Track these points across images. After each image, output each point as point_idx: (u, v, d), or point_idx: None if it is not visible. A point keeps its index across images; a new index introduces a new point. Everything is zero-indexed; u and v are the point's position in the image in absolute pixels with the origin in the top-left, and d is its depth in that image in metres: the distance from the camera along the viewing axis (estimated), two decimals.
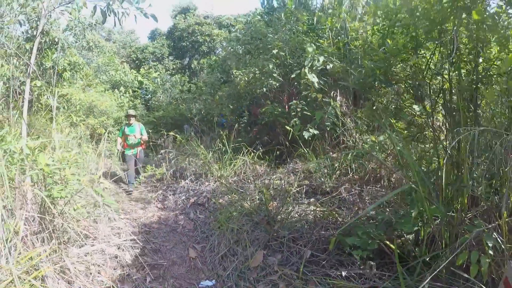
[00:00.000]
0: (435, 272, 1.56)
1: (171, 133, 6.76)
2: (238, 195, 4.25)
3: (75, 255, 1.97)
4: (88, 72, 9.91)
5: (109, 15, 3.05)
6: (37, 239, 1.76)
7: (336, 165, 3.94)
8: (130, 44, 21.36)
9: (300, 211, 3.53)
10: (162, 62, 19.39)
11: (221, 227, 3.40)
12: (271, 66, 4.77)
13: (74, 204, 2.15)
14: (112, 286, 2.03)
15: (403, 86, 2.70)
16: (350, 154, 3.41)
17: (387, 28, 2.67)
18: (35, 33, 4.06)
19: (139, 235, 3.08)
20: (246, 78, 5.32)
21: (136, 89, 14.58)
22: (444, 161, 2.04)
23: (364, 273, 2.24)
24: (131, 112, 6.19)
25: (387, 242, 2.16)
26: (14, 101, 3.88)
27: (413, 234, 2.17)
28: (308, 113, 4.37)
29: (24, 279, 1.43)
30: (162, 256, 2.90)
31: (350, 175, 3.75)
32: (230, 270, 2.74)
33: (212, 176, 5.18)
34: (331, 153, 4.19)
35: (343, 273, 2.30)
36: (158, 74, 16.41)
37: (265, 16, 5.12)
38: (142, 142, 6.12)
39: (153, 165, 6.25)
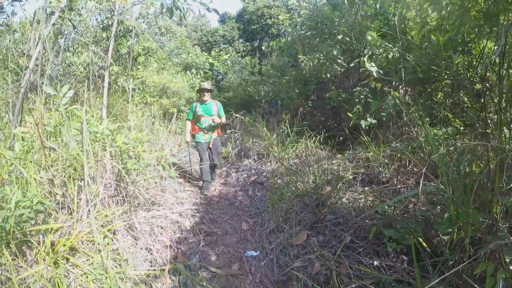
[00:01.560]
0: (443, 276, 1.58)
1: (238, 115, 7.11)
2: (295, 177, 4.48)
3: (142, 217, 2.50)
4: (161, 56, 10.75)
5: (176, 11, 3.42)
6: (112, 201, 2.30)
7: (396, 155, 3.82)
8: (201, 28, 22.22)
9: (351, 198, 3.61)
10: (232, 45, 19.93)
11: (274, 205, 3.72)
12: (335, 52, 4.71)
13: (145, 175, 2.71)
14: (170, 245, 2.54)
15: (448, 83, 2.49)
16: (405, 146, 3.29)
17: (434, 21, 2.45)
18: (110, 23, 4.56)
19: (200, 206, 3.61)
20: (311, 63, 5.35)
21: (208, 70, 15.21)
22: (494, 164, 1.92)
23: (395, 266, 2.30)
24: (206, 85, 4.69)
25: (420, 239, 2.17)
26: (93, 83, 4.43)
27: (448, 236, 2.13)
28: (372, 101, 4.26)
29: (100, 231, 1.98)
30: (217, 226, 3.38)
31: (409, 167, 3.62)
32: (275, 244, 3.06)
33: (274, 157, 5.50)
34: (394, 143, 4.06)
35: (375, 262, 2.39)
36: (229, 57, 16.92)
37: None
38: (218, 126, 4.90)
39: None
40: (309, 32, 5.74)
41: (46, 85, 2.75)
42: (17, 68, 3.36)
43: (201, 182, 4.69)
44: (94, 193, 2.07)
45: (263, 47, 12.52)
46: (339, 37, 4.54)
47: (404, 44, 3.14)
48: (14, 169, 2.00)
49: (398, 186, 3.57)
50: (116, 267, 1.93)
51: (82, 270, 1.84)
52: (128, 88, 3.53)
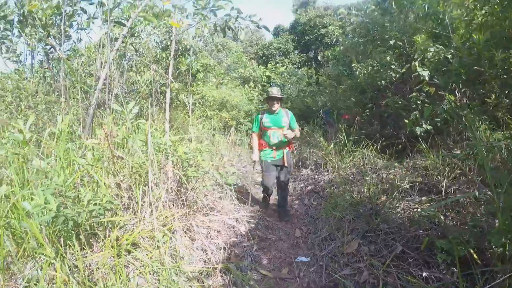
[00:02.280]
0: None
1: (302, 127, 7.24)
2: (350, 186, 4.48)
3: (200, 220, 2.82)
4: (219, 71, 11.17)
5: (228, 30, 3.70)
6: (173, 204, 2.62)
7: (457, 163, 3.60)
8: (256, 42, 22.77)
9: (406, 207, 3.51)
10: (288, 57, 20.07)
11: (328, 214, 3.82)
12: (388, 58, 4.64)
13: (204, 182, 3.09)
14: (224, 247, 2.84)
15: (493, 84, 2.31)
16: (465, 153, 3.10)
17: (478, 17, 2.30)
18: (168, 43, 4.92)
19: (256, 213, 3.89)
20: (365, 71, 5.33)
21: (265, 83, 15.49)
22: None
23: (443, 278, 2.24)
24: (275, 92, 3.91)
25: (471, 251, 2.09)
26: (156, 99, 4.72)
27: (501, 248, 2.01)
28: (430, 106, 4.10)
29: (160, 229, 2.31)
30: (271, 232, 3.60)
31: (470, 175, 3.38)
32: (326, 252, 3.15)
33: (331, 167, 5.54)
34: (454, 150, 3.83)
35: (424, 274, 2.35)
36: (285, 69, 17.07)
37: (381, 3, 4.91)
38: (291, 140, 4.06)
39: None
40: (361, 40, 5.73)
41: (113, 103, 3.30)
42: (86, 87, 3.88)
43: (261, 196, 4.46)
44: (156, 196, 2.42)
45: (318, 57, 12.53)
46: (391, 42, 4.47)
47: (452, 45, 3.01)
48: (86, 175, 2.38)
49: (458, 196, 3.36)
50: (172, 262, 2.27)
51: (141, 263, 2.17)
52: (188, 103, 3.91)
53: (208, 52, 10.55)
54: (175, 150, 2.64)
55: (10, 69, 5.45)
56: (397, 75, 4.78)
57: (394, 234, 3.00)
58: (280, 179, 4.09)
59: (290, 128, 4.04)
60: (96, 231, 2.22)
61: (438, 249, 2.49)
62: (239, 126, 9.85)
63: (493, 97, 2.64)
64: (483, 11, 2.33)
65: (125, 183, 2.54)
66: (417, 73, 3.44)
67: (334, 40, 8.25)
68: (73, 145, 2.67)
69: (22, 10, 3.94)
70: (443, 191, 3.52)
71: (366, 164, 5.22)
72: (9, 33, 4.26)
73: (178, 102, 7.22)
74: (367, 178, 4.61)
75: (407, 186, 3.82)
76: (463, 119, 3.40)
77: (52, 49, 4.91)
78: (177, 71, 7.50)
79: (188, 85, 6.79)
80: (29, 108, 4.72)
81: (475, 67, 2.30)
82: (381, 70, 5.05)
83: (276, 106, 3.94)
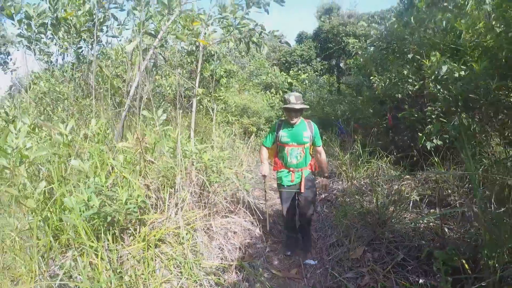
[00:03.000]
0: None
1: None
2: (361, 196, 4.63)
3: (219, 222, 3.13)
4: (241, 77, 11.24)
5: (252, 44, 3.83)
6: (196, 206, 2.92)
7: (467, 177, 3.69)
8: (279, 48, 22.73)
9: (412, 219, 3.63)
10: (310, 64, 19.95)
11: (337, 222, 4.00)
12: (405, 72, 4.77)
13: (224, 187, 3.38)
14: (240, 247, 3.12)
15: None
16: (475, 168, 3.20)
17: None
18: (194, 48, 5.07)
19: (270, 217, 4.13)
20: (383, 84, 5.46)
21: (286, 90, 15.43)
22: None
23: (438, 286, 2.39)
24: (294, 99, 3.08)
25: (463, 261, 2.23)
26: (179, 103, 4.72)
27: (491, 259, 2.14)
28: (445, 120, 4.20)
29: (185, 228, 2.63)
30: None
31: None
32: (332, 256, 3.35)
33: (345, 177, 5.69)
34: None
35: (421, 280, 2.51)
36: (307, 76, 17.06)
37: (403, 16, 5.01)
38: (313, 159, 3.38)
39: None
40: (381, 52, 5.84)
41: (143, 109, 3.53)
42: (114, 88, 4.08)
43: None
44: (182, 198, 2.69)
45: (341, 65, 12.59)
46: (409, 56, 4.58)
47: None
48: (118, 175, 2.58)
49: (451, 209, 3.45)
50: (193, 257, 2.58)
51: (167, 256, 2.45)
52: (212, 109, 3.95)
53: (232, 58, 10.74)
54: (200, 157, 2.92)
55: (40, 67, 5.80)
56: (414, 88, 4.89)
57: (397, 243, 3.15)
58: (301, 211, 3.34)
59: (314, 144, 3.28)
60: (128, 226, 2.51)
61: (436, 259, 2.64)
62: (259, 132, 10.10)
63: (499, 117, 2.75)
64: (488, 37, 2.47)
65: (154, 185, 2.83)
66: (430, 89, 3.57)
67: (354, 53, 8.33)
68: (105, 148, 2.90)
69: (55, 14, 4.18)
70: (451, 204, 3.63)
71: (379, 175, 5.34)
72: (42, 35, 4.48)
73: (201, 106, 7.41)
74: (378, 189, 4.74)
75: (417, 198, 3.94)
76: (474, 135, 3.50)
77: (82, 52, 5.19)
78: (201, 76, 7.59)
79: (211, 91, 6.84)
80: (63, 111, 5.04)
81: (470, 95, 2.43)
82: (399, 83, 5.16)
83: (296, 119, 3.14)
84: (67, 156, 2.79)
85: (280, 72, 16.82)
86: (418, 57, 4.66)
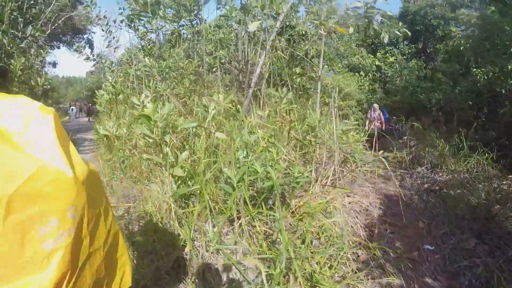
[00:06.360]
0: None
1: (413, 122, 7.28)
2: (467, 190, 5.12)
3: (347, 201, 3.80)
4: (331, 58, 11.20)
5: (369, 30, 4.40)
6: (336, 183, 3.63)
7: None
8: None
9: None
10: (397, 46, 18.38)
11: (449, 212, 4.48)
12: (510, 67, 4.95)
13: (360, 168, 4.09)
14: (365, 227, 3.76)
15: None
16: None
17: None
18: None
19: (382, 200, 4.74)
20: (486, 76, 5.63)
21: (374, 73, 14.98)
22: None
23: None
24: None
25: None
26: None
27: None
28: None
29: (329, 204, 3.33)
30: (397, 220, 4.42)
31: None
32: (447, 244, 3.88)
33: (446, 168, 6.10)
34: None
35: None
36: (395, 59, 16.15)
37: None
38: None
39: (394, 147, 7.38)
40: (482, 43, 5.87)
41: (265, 88, 4.02)
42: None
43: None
44: (326, 175, 3.15)
45: (427, 49, 11.86)
46: None
47: None
48: (265, 150, 2.86)
49: None
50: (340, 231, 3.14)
51: (314, 226, 2.84)
52: (312, 89, 4.45)
53: (319, 37, 10.21)
54: (342, 138, 3.50)
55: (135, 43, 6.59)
56: None
57: (506, 240, 3.65)
58: None
59: None
60: (283, 198, 2.70)
61: None
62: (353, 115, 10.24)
63: None
64: None
65: (297, 160, 3.11)
66: None
67: (446, 38, 7.93)
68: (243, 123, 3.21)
69: None
70: None
71: (479, 171, 5.63)
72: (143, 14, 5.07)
73: (295, 86, 7.39)
74: (480, 186, 5.09)
75: None
76: None
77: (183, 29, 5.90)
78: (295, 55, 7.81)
79: (319, 73, 6.06)
80: (189, 84, 5.64)
81: None
82: (501, 77, 5.27)
83: None
84: (209, 129, 3.14)
85: (367, 54, 16.15)
86: None
